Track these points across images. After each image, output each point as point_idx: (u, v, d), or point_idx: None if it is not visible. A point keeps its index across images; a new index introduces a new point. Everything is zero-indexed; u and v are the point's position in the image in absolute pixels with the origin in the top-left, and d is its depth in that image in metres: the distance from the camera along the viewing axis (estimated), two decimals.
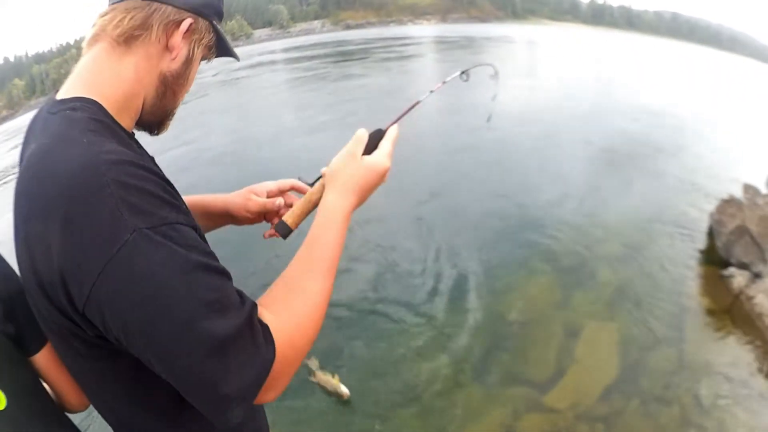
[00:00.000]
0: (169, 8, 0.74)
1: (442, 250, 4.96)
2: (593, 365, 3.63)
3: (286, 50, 41.71)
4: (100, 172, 0.58)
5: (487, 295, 4.22)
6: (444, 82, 1.05)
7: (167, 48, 0.75)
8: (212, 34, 0.81)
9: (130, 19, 0.71)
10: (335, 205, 0.78)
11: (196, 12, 0.77)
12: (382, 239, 5.19)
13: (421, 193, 6.31)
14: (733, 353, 3.91)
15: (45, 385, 0.81)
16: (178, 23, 0.75)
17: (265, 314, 0.65)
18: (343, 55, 30.63)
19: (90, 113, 0.67)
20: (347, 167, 0.81)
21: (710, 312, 4.07)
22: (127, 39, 0.72)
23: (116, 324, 0.58)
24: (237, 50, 0.93)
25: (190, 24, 0.75)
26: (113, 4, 0.74)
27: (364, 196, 0.82)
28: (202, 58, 0.84)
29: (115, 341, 0.61)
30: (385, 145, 0.85)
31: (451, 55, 27.34)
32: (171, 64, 0.76)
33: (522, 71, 18.90)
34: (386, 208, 5.65)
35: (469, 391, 3.39)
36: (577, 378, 3.51)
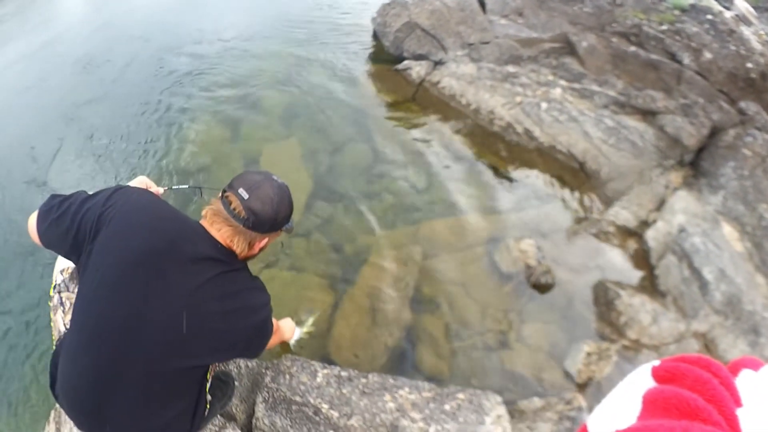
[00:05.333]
0: (257, 234, 1.40)
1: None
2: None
3: None
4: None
5: (160, 154, 3.92)
6: None
7: (252, 247, 1.45)
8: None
9: (243, 245, 1.40)
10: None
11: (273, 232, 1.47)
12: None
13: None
14: (426, 132, 4.14)
15: None
16: (262, 239, 1.45)
17: None
18: None
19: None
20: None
21: (394, 104, 4.27)
22: (244, 253, 1.43)
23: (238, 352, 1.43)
24: None
25: (266, 241, 1.48)
26: (241, 221, 1.36)
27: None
28: None
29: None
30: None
31: None
32: (249, 252, 1.46)
33: None
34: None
35: None
36: None
